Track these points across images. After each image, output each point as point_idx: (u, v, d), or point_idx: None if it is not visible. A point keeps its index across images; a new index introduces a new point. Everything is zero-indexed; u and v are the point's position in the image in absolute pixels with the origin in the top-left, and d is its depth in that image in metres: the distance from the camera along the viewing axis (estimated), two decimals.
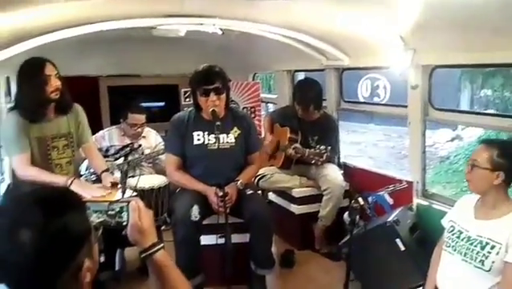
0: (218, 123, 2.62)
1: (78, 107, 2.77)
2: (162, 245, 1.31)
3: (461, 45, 2.51)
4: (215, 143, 2.76)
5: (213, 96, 2.70)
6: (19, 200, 0.98)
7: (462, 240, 2.00)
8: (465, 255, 1.96)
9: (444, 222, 2.19)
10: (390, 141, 12.61)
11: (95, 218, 1.36)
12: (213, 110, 2.68)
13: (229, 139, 2.85)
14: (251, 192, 2.90)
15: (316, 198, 3.51)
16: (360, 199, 1.87)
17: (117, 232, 1.37)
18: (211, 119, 2.71)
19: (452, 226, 2.09)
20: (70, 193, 1.05)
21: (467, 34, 2.38)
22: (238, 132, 2.89)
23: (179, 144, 2.83)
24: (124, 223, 1.31)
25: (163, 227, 3.22)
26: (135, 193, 2.81)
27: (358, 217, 1.86)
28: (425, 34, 2.62)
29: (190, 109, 2.94)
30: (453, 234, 2.05)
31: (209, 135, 2.82)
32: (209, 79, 2.71)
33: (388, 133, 12.83)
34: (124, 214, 1.34)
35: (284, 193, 3.69)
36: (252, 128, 3.00)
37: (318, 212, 3.46)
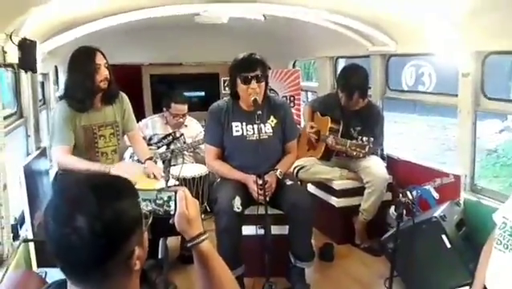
0: (259, 112, 2.61)
1: (123, 96, 2.83)
2: (207, 235, 1.31)
3: None
4: (254, 134, 2.76)
5: (254, 84, 2.68)
6: (75, 186, 1.00)
7: None
8: None
9: (496, 218, 2.06)
10: (433, 132, 12.15)
11: (144, 207, 1.38)
12: (255, 99, 2.66)
13: (266, 129, 2.83)
14: (291, 182, 2.87)
15: (357, 191, 3.40)
16: (409, 193, 1.79)
17: (163, 221, 1.39)
18: (250, 108, 2.69)
19: (504, 223, 1.95)
20: (123, 180, 1.06)
21: None
22: (275, 121, 2.87)
23: (218, 134, 2.84)
24: (172, 212, 1.32)
25: (203, 216, 3.25)
26: (177, 182, 2.84)
27: (406, 213, 1.78)
28: (478, 18, 2.47)
29: (227, 98, 2.92)
30: (504, 231, 1.92)
31: (247, 125, 2.82)
32: (250, 67, 2.70)
33: (432, 124, 12.36)
34: (172, 203, 1.35)
35: (324, 185, 3.60)
36: (289, 116, 2.97)
37: (360, 205, 3.36)
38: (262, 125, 2.74)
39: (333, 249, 3.35)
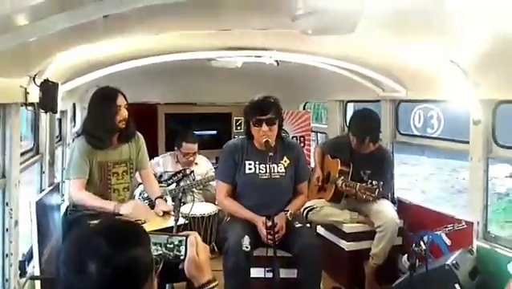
0: (271, 153, 2.65)
1: (139, 135, 2.93)
2: (217, 282, 1.30)
3: None
4: (266, 173, 2.79)
5: (265, 127, 2.74)
6: (88, 231, 1.01)
7: None
8: None
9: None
10: (443, 175, 12.05)
11: (154, 251, 1.38)
12: (267, 140, 2.71)
13: (279, 168, 2.87)
14: (300, 225, 2.86)
15: (368, 235, 3.36)
16: (422, 243, 1.77)
17: (173, 265, 1.39)
18: (263, 148, 2.73)
19: None
20: (136, 227, 1.07)
21: None
22: (288, 161, 2.91)
23: (231, 171, 2.87)
24: (182, 257, 1.32)
25: (210, 255, 3.21)
26: (187, 221, 2.85)
27: (417, 260, 1.76)
28: (489, 67, 2.52)
29: (242, 137, 2.98)
30: None
31: (260, 164, 2.85)
32: (263, 110, 2.76)
33: (441, 166, 12.28)
34: (182, 248, 1.35)
35: (334, 228, 3.57)
36: (301, 157, 3.01)
37: (370, 249, 3.30)
38: (274, 165, 2.79)
39: None
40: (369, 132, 3.37)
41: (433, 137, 3.65)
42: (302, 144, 4.82)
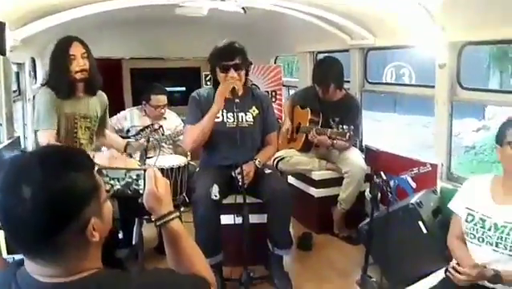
0: (237, 100, 2.61)
1: (103, 95, 2.84)
2: (178, 214, 1.29)
3: (493, 20, 2.39)
4: (233, 121, 2.75)
5: (232, 72, 2.69)
6: (26, 156, 0.98)
7: (489, 229, 1.88)
8: (496, 245, 1.85)
9: (456, 208, 2.06)
10: (413, 130, 12.36)
11: (112, 185, 1.36)
12: (234, 87, 2.65)
13: (247, 117, 2.83)
14: (270, 171, 2.89)
15: (336, 181, 3.44)
16: (383, 174, 1.81)
17: (133, 200, 1.37)
18: (230, 96, 2.69)
19: (470, 215, 1.96)
20: (77, 153, 1.03)
21: (500, 7, 2.26)
22: (257, 111, 2.88)
23: (199, 117, 2.79)
24: (141, 191, 1.30)
25: (182, 209, 3.22)
26: None
27: (379, 193, 1.80)
28: (455, 9, 2.52)
29: (209, 87, 2.93)
30: (475, 224, 1.93)
31: (227, 113, 2.81)
32: (231, 55, 2.70)
33: (411, 122, 12.58)
34: (141, 182, 1.34)
35: (303, 176, 3.63)
36: (270, 108, 2.99)
37: (338, 195, 3.40)
38: (242, 114, 2.75)
39: (312, 238, 3.37)
40: (332, 79, 3.39)
41: (400, 84, 3.67)
42: (273, 99, 4.81)
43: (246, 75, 2.83)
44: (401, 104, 12.71)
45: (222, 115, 2.81)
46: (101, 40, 4.26)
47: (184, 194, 3.47)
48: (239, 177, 2.59)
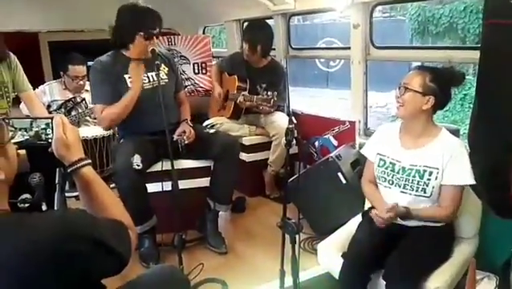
0: (157, 62, 2.58)
1: (12, 56, 2.68)
2: (89, 161, 1.29)
3: None
4: (150, 82, 2.70)
5: (154, 42, 2.62)
6: None
7: (398, 172, 2.02)
8: (404, 187, 2.01)
9: (368, 154, 2.20)
10: (345, 103, 12.90)
11: (19, 136, 1.32)
12: (153, 49, 2.59)
13: (161, 75, 2.70)
14: (214, 130, 2.97)
15: (266, 146, 3.55)
16: (294, 118, 1.90)
17: (42, 150, 1.34)
18: (142, 57, 2.61)
19: (382, 160, 2.09)
20: None
21: None
22: (167, 69, 2.84)
23: (108, 92, 2.62)
24: (50, 140, 1.28)
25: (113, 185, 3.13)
26: None
27: (294, 138, 1.89)
28: None
29: (110, 52, 2.75)
30: (386, 168, 2.07)
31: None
32: (156, 22, 2.62)
33: (343, 96, 13.12)
34: (49, 130, 1.31)
35: None
36: (176, 65, 2.98)
37: (268, 159, 3.52)
38: (155, 72, 2.63)
39: (245, 201, 3.46)
40: (261, 41, 3.45)
41: (321, 48, 3.81)
42: (203, 71, 4.76)
43: None
44: (333, 80, 13.25)
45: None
46: (14, 12, 3.97)
47: (111, 165, 3.39)
48: (181, 138, 2.61)
